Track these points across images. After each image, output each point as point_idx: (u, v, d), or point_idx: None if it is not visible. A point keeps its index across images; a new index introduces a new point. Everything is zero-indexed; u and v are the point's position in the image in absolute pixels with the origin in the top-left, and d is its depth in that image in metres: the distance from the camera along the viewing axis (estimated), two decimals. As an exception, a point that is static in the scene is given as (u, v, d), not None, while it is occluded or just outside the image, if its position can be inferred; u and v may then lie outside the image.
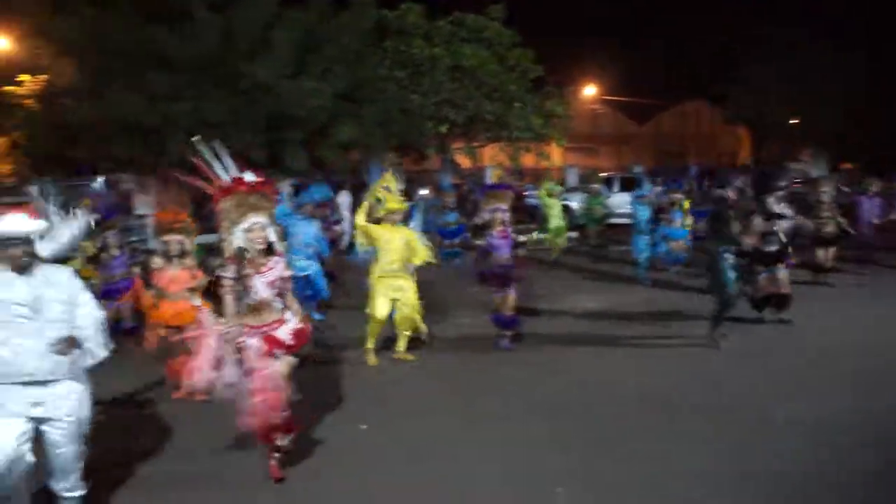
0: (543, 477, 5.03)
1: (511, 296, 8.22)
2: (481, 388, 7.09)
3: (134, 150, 14.92)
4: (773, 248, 9.15)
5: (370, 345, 7.92)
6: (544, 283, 12.35)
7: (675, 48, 43.42)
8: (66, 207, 4.34)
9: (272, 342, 4.76)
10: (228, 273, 4.74)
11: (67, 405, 4.01)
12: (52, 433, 4.00)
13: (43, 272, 4.00)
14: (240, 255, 4.72)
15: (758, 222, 8.72)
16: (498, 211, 8.17)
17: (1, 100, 21.81)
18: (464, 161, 24.55)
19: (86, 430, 4.20)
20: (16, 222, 3.92)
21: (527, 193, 23.51)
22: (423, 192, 18.83)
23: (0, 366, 3.83)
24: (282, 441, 4.93)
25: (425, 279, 8.31)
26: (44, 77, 20.49)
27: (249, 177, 4.80)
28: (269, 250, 4.85)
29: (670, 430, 5.88)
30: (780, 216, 9.32)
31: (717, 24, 38.99)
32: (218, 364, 4.72)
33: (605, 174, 26.51)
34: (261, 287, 4.75)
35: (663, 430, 5.88)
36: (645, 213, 13.08)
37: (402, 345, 7.95)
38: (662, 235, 12.86)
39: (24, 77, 21.89)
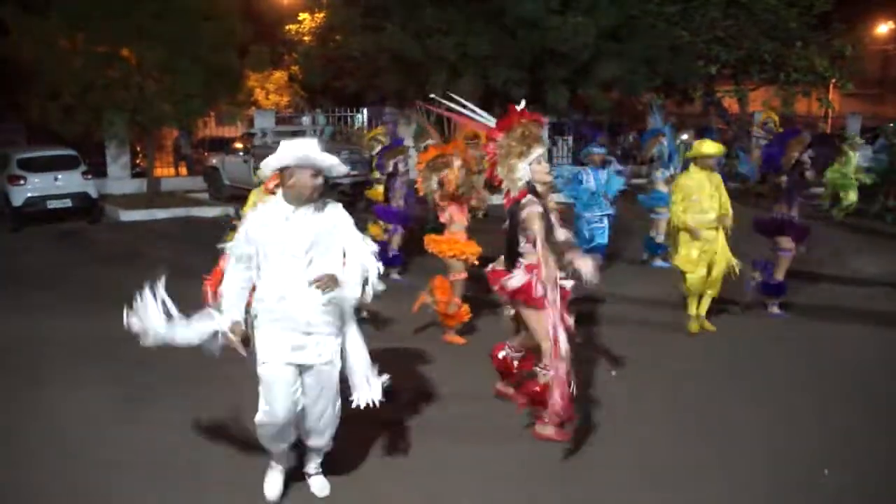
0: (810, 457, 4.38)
1: (786, 257, 7.16)
2: (758, 355, 6.29)
3: (400, 83, 15.42)
4: None
5: (692, 310, 6.78)
6: (823, 244, 10.95)
7: None
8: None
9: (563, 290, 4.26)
10: (534, 208, 4.17)
11: (327, 351, 3.63)
12: (307, 380, 3.66)
13: (319, 209, 3.59)
14: (532, 190, 4.21)
15: None
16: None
17: (283, 37, 23.82)
18: (730, 105, 22.76)
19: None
20: (309, 148, 3.50)
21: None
22: (684, 136, 17.75)
23: (269, 303, 3.56)
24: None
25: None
26: (321, 15, 21.94)
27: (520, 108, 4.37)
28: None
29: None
30: None
31: None
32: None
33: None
34: (557, 225, 4.32)
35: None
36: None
37: (703, 307, 6.78)
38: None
39: (303, 16, 23.66)
